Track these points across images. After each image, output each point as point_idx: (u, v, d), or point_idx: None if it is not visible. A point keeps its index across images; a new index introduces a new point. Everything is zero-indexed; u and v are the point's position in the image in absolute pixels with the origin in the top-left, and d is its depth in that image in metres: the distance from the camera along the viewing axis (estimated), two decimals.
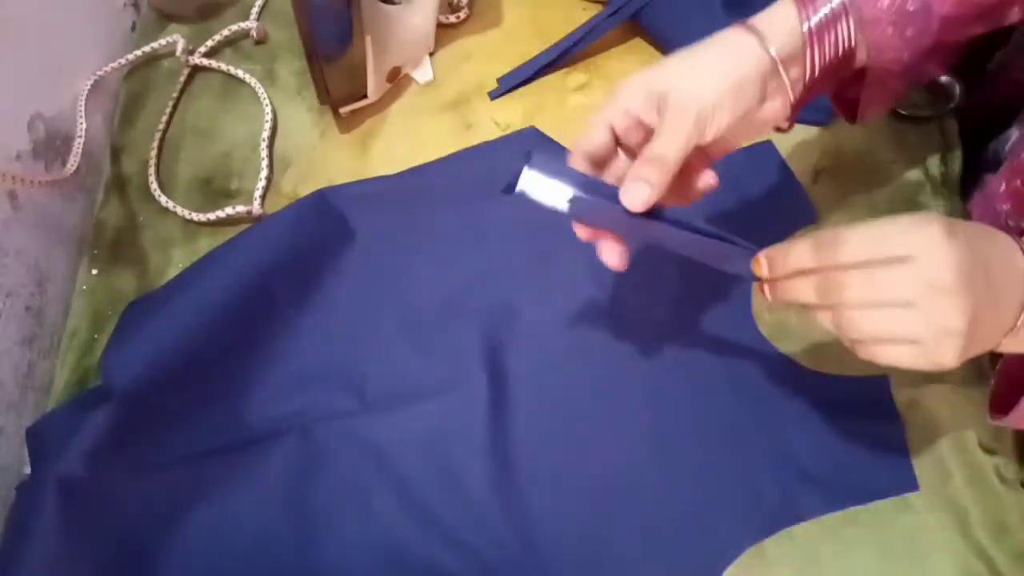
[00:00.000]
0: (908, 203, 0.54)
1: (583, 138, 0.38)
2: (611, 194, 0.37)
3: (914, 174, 0.55)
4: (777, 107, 0.39)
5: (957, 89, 0.55)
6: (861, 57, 0.40)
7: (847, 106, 0.45)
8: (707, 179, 0.40)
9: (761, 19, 0.38)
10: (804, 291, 0.35)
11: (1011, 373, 0.39)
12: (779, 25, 0.37)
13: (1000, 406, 0.39)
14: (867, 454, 0.47)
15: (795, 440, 0.48)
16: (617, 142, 0.39)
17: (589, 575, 0.46)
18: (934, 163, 0.55)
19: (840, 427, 0.47)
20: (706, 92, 0.35)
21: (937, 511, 0.46)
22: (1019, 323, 0.33)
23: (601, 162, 0.39)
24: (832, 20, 0.37)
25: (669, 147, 0.36)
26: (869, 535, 0.45)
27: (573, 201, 0.36)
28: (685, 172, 0.38)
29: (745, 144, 0.41)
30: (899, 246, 0.32)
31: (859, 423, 0.47)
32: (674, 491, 0.47)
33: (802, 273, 0.35)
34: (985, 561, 0.44)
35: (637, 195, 0.36)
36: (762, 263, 0.36)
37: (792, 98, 0.39)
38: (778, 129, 0.41)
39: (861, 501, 0.46)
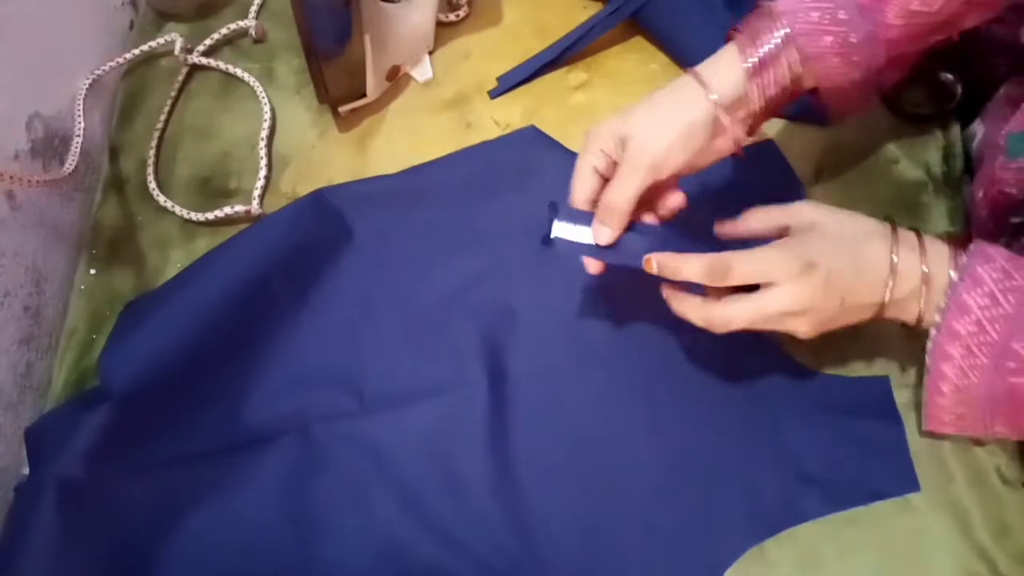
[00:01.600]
0: (910, 202, 0.54)
1: (576, 188, 0.43)
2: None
3: (916, 173, 0.55)
4: (729, 140, 0.43)
5: (958, 88, 0.55)
6: (810, 83, 0.42)
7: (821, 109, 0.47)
8: (675, 200, 0.45)
9: (708, 66, 0.42)
10: (692, 314, 0.42)
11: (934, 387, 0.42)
12: (723, 71, 0.41)
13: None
14: (868, 454, 0.47)
15: (796, 440, 0.47)
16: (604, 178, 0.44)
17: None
18: (936, 162, 0.55)
19: (841, 427, 0.47)
20: (658, 142, 0.40)
21: (938, 512, 0.45)
22: (885, 307, 0.40)
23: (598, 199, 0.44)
24: (772, 57, 0.41)
25: (621, 195, 0.41)
26: (870, 536, 0.45)
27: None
28: (654, 194, 0.44)
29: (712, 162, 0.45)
30: (768, 275, 0.39)
31: (860, 423, 0.47)
32: (674, 492, 0.47)
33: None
34: (987, 562, 0.44)
35: (602, 236, 0.43)
36: (652, 264, 0.42)
37: (741, 133, 0.42)
38: (733, 155, 0.44)
39: (862, 502, 0.46)
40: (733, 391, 0.49)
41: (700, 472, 0.47)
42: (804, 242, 0.40)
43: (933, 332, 0.40)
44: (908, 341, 0.48)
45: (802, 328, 0.40)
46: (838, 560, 0.45)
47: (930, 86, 0.57)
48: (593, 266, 0.44)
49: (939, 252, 0.40)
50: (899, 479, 0.46)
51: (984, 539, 0.45)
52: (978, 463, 0.46)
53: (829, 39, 0.40)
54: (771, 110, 0.43)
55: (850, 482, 0.46)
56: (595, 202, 0.43)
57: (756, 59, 0.41)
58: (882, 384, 0.48)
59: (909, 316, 0.41)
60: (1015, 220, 0.46)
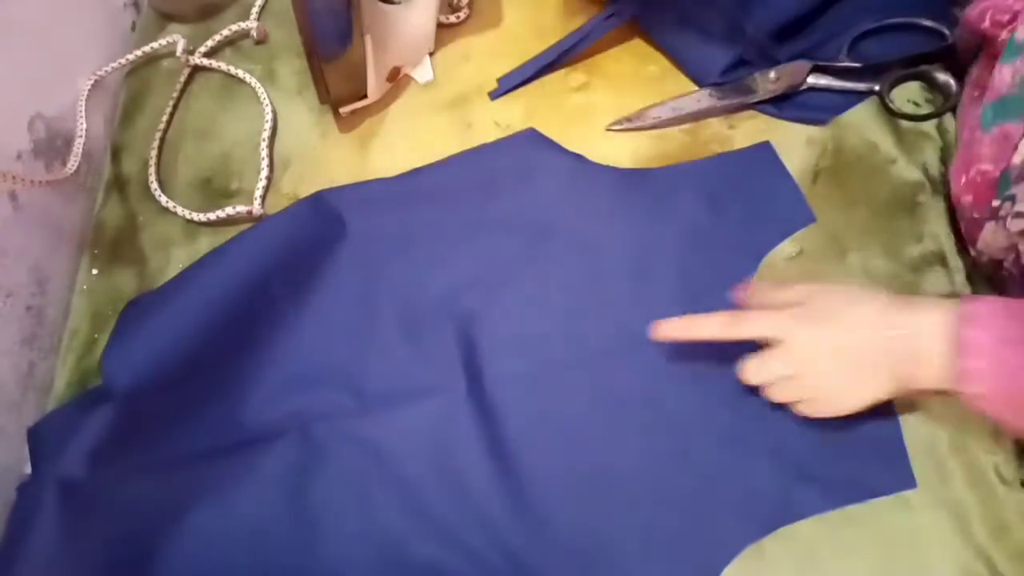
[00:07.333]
0: (908, 203, 0.54)
1: None
2: None
3: (913, 174, 0.55)
4: None
5: (955, 87, 0.55)
6: None
7: None
8: None
9: None
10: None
11: None
12: None
13: None
14: (865, 452, 0.47)
15: (793, 438, 0.48)
16: None
17: (588, 574, 0.46)
18: (934, 163, 0.55)
19: (838, 425, 0.47)
20: None
21: (937, 511, 0.46)
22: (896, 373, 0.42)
23: None
24: None
25: None
26: (869, 534, 0.45)
27: None
28: None
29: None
30: (778, 332, 0.44)
31: (856, 421, 0.47)
32: (673, 490, 0.47)
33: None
34: (985, 561, 0.44)
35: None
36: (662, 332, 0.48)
37: None
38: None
39: (859, 499, 0.46)
40: (731, 390, 0.49)
41: (698, 470, 0.48)
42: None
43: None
44: None
45: (806, 392, 0.44)
46: (836, 559, 0.45)
47: (927, 86, 0.57)
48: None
49: (930, 315, 0.41)
50: (895, 476, 0.46)
51: (982, 538, 0.45)
52: (976, 462, 0.46)
53: None
54: None
55: (847, 479, 0.46)
56: None
57: None
58: None
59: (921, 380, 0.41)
60: (995, 203, 0.45)
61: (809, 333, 0.43)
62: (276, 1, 0.69)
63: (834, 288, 0.45)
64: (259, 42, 0.67)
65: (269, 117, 0.63)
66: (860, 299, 0.43)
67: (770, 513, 0.46)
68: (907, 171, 0.55)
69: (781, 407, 0.48)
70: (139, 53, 0.65)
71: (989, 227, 0.46)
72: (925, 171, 0.55)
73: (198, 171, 0.62)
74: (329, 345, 0.54)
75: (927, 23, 0.57)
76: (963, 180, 0.47)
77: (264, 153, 0.61)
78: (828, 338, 0.43)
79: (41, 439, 0.52)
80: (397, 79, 0.63)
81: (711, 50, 0.58)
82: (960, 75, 0.56)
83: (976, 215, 0.47)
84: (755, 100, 0.58)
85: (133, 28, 0.70)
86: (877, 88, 0.57)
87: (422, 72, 0.64)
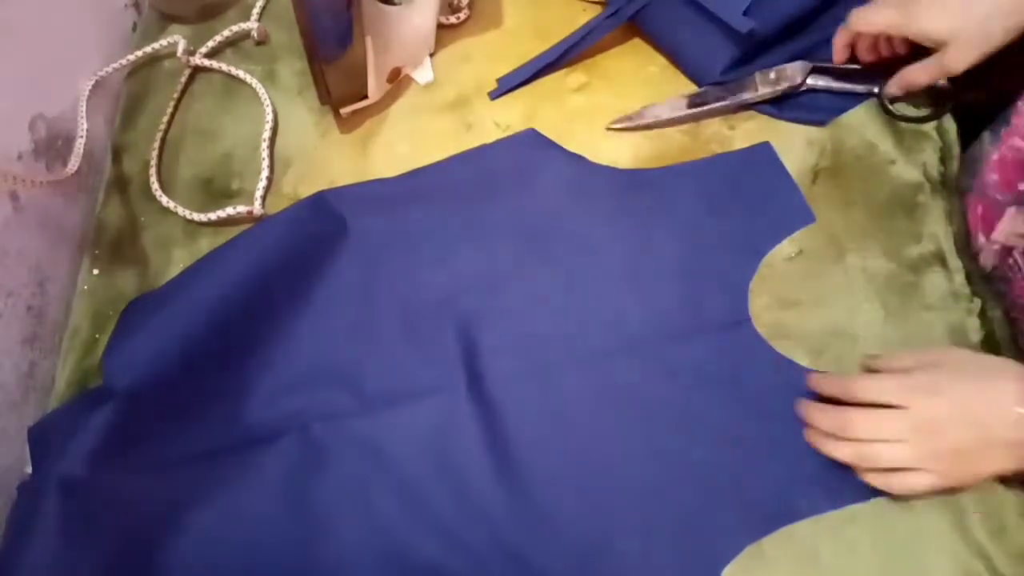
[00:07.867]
0: (907, 203, 0.54)
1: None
2: None
3: (913, 175, 0.55)
4: None
5: (954, 89, 0.55)
6: None
7: None
8: None
9: None
10: (823, 423, 0.46)
11: None
12: None
13: None
14: None
15: (793, 438, 0.48)
16: None
17: (588, 573, 0.46)
18: (933, 164, 0.55)
19: None
20: None
21: (936, 511, 0.46)
22: None
23: None
24: None
25: None
26: (868, 534, 0.45)
27: None
28: None
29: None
30: (898, 399, 0.42)
31: None
32: (673, 490, 0.47)
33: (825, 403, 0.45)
34: (984, 560, 0.44)
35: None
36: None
37: None
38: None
39: (859, 499, 0.46)
40: (732, 390, 0.50)
41: (698, 470, 0.48)
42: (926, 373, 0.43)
43: None
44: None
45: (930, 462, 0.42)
46: (836, 558, 0.45)
47: (927, 88, 0.57)
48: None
49: None
50: None
51: (982, 538, 0.45)
52: None
53: None
54: None
55: (847, 479, 0.46)
56: None
57: None
58: None
59: None
60: (1022, 186, 0.45)
61: (935, 402, 0.42)
62: (277, 2, 0.69)
63: (963, 357, 0.44)
64: (260, 43, 0.68)
65: (270, 118, 0.63)
66: (993, 372, 0.42)
67: (770, 513, 0.46)
68: (906, 172, 0.56)
69: (781, 407, 0.48)
70: (140, 54, 0.66)
71: (1010, 212, 0.46)
72: (924, 172, 0.55)
73: (199, 171, 0.62)
74: (329, 345, 0.54)
75: None
76: (995, 156, 0.47)
77: (265, 153, 0.61)
78: (958, 410, 0.41)
79: (42, 439, 0.52)
80: (397, 80, 0.63)
81: (711, 50, 0.58)
82: (958, 75, 0.56)
83: (1000, 197, 0.47)
84: (755, 100, 0.58)
85: (134, 29, 0.70)
86: (876, 89, 0.57)
87: (422, 73, 0.64)
